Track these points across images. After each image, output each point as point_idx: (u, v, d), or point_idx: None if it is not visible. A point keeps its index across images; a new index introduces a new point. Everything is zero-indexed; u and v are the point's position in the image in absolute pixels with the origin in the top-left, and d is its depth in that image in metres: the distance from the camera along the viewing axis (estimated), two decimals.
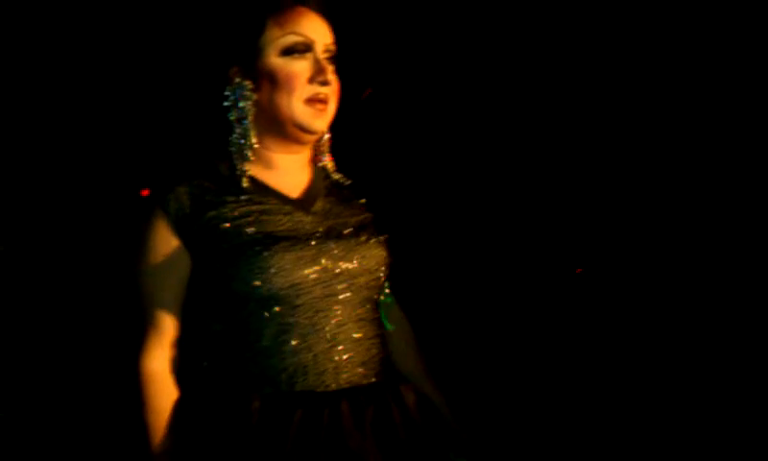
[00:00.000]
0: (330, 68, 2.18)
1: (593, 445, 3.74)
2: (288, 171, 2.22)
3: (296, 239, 2.12)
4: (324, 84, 2.15)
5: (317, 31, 2.18)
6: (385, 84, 3.76)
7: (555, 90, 3.81)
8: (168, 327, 2.15)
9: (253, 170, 2.20)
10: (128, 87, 3.91)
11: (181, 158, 2.24)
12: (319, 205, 2.22)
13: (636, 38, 3.66)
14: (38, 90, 3.86)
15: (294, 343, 2.09)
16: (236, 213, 2.13)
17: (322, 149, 2.28)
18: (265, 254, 2.07)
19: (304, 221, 2.17)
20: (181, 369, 2.16)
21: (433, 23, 3.84)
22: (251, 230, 2.11)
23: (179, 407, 2.12)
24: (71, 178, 3.94)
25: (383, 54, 3.75)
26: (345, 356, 2.11)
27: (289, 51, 2.15)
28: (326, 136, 2.27)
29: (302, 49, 2.16)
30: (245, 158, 2.18)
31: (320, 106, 2.16)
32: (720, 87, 3.59)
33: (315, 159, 2.28)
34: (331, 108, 2.19)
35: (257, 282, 2.07)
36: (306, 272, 2.10)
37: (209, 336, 2.14)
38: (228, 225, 2.11)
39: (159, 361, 2.14)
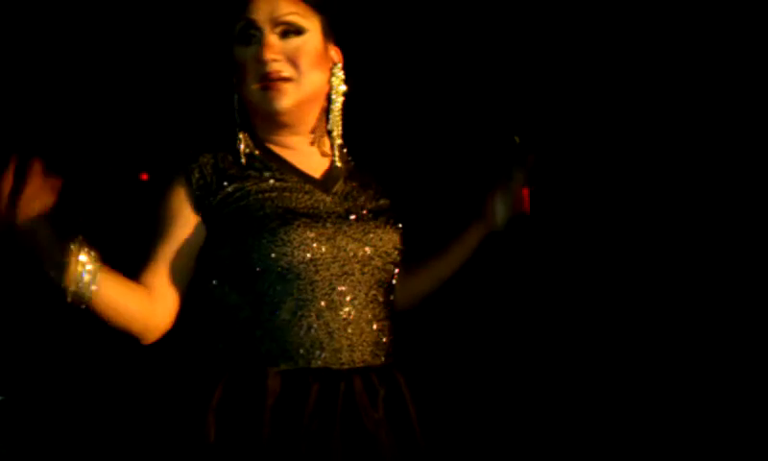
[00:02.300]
0: (280, 40, 2.14)
1: (593, 445, 3.77)
2: (302, 150, 2.23)
3: (315, 217, 2.12)
4: (264, 63, 2.12)
5: (261, 9, 2.14)
6: (398, 77, 3.75)
7: (561, 85, 3.82)
8: (161, 290, 2.12)
9: (271, 145, 2.21)
10: (150, 68, 3.94)
11: (205, 132, 2.27)
12: (339, 186, 2.22)
13: (646, 39, 3.66)
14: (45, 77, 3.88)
15: (311, 319, 2.08)
16: (258, 187, 2.13)
17: (330, 133, 2.27)
18: (285, 227, 2.07)
19: (324, 201, 2.17)
20: (197, 344, 2.16)
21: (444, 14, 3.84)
22: (272, 204, 2.11)
23: (194, 382, 2.12)
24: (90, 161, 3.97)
25: (398, 46, 3.74)
26: (358, 336, 2.11)
27: (239, 38, 2.15)
28: (335, 118, 2.25)
29: (249, 32, 2.14)
30: (245, 139, 2.20)
31: (271, 85, 2.13)
32: (719, 87, 3.59)
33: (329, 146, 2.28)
34: (289, 84, 2.14)
35: (277, 256, 2.06)
36: (324, 249, 2.10)
37: (226, 309, 2.13)
38: (250, 198, 2.12)
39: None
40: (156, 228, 2.14)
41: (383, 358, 2.15)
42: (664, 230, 3.72)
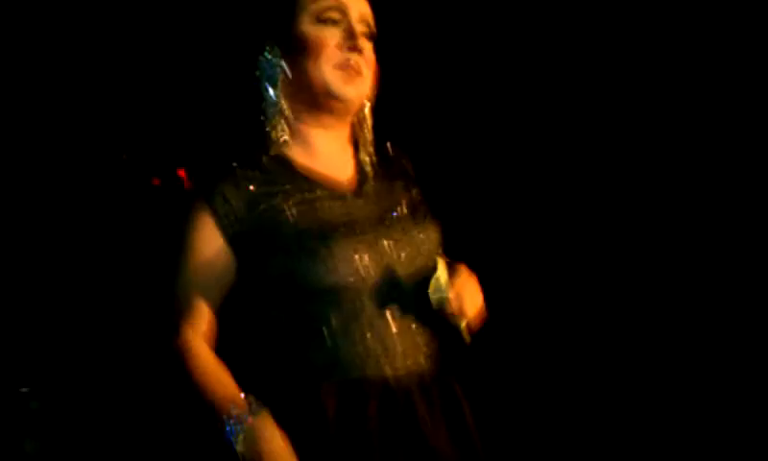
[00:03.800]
0: (364, 38, 2.11)
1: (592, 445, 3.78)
2: (329, 153, 2.15)
3: (352, 225, 2.05)
4: (354, 49, 2.08)
5: (353, 1, 2.11)
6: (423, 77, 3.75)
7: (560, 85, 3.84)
8: (205, 319, 2.06)
9: (294, 153, 2.13)
10: (162, 76, 3.91)
11: (221, 149, 2.18)
12: (368, 187, 2.15)
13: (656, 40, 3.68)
14: (64, 79, 3.86)
15: (362, 330, 2.02)
16: (288, 204, 2.05)
17: (361, 132, 2.20)
18: (325, 243, 1.99)
19: (357, 206, 2.10)
20: (243, 364, 2.07)
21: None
22: (306, 220, 2.04)
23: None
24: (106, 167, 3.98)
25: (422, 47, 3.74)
26: (410, 340, 2.05)
27: (321, 18, 2.09)
28: (366, 114, 2.19)
29: (335, 15, 2.09)
30: (282, 135, 2.11)
31: (350, 72, 2.08)
32: (720, 87, 3.57)
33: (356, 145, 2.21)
34: (364, 79, 2.11)
35: (320, 273, 1.99)
36: (367, 257, 2.02)
37: (271, 329, 2.06)
38: (281, 217, 2.04)
39: (198, 340, 2.05)
40: (186, 265, 2.07)
41: (434, 362, 2.09)
42: (663, 229, 3.72)
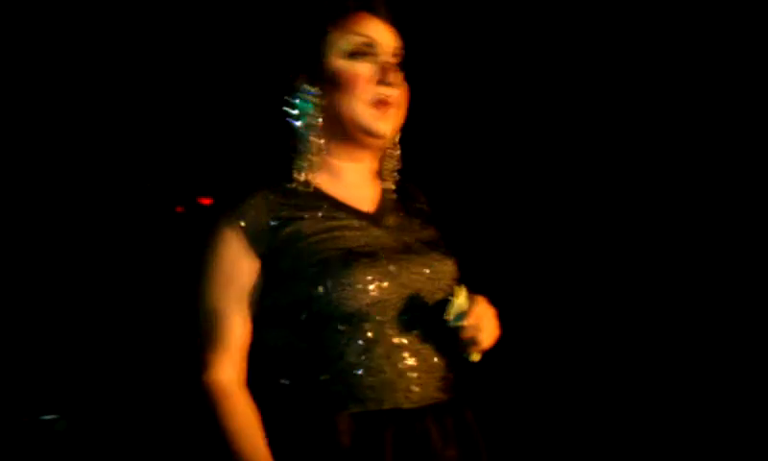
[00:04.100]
0: (396, 71, 2.11)
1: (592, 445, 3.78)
2: (355, 183, 2.16)
3: (375, 255, 2.05)
4: (388, 84, 2.08)
5: (382, 34, 2.11)
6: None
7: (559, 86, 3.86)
8: (235, 342, 2.05)
9: (320, 181, 2.13)
10: (194, 100, 3.96)
11: (249, 171, 2.19)
12: (390, 219, 2.15)
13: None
14: (96, 96, 3.92)
15: (380, 360, 2.02)
16: (314, 228, 2.05)
17: (389, 163, 2.21)
18: (348, 271, 2.00)
19: (379, 236, 2.10)
20: (257, 389, 2.06)
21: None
22: (331, 246, 2.03)
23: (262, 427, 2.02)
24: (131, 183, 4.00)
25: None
26: (426, 372, 2.05)
27: (353, 53, 2.09)
28: (396, 153, 2.20)
29: (366, 51, 2.09)
30: (311, 168, 2.11)
31: (384, 108, 2.08)
32: (720, 87, 3.61)
33: (380, 174, 2.21)
34: (397, 112, 2.11)
35: (342, 301, 1.99)
36: (389, 287, 2.03)
37: (288, 354, 2.05)
38: (307, 241, 2.04)
39: (228, 374, 2.03)
40: (215, 285, 2.05)
41: (450, 393, 2.10)
42: (661, 230, 3.74)
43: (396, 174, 2.22)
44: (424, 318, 2.07)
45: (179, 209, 4.04)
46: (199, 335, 2.07)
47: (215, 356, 2.03)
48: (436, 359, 2.08)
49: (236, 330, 2.05)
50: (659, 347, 3.74)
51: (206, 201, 4.04)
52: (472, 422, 2.13)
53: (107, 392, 3.85)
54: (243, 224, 2.04)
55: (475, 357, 2.07)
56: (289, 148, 2.14)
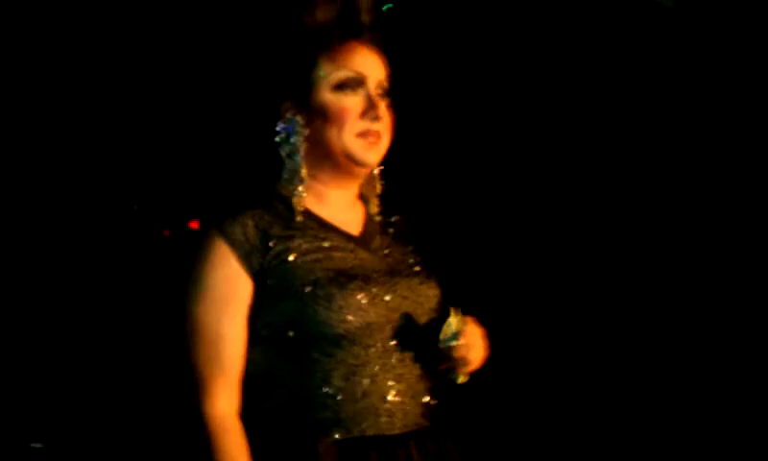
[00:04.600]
0: (383, 104, 2.13)
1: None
2: (341, 207, 2.17)
3: (366, 278, 2.06)
4: (376, 119, 2.10)
5: (369, 66, 2.13)
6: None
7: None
8: (234, 367, 2.03)
9: (307, 203, 2.13)
10: (179, 121, 3.97)
11: (236, 192, 2.20)
12: (377, 242, 2.17)
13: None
14: (87, 117, 3.92)
15: (365, 384, 2.02)
16: (304, 248, 2.06)
17: (370, 187, 2.22)
18: (342, 293, 2.01)
19: (367, 259, 2.12)
20: (242, 412, 2.05)
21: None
22: (322, 267, 2.04)
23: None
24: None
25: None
26: (410, 398, 2.07)
27: (341, 86, 2.10)
28: (376, 172, 2.21)
29: (354, 85, 2.10)
30: (297, 193, 2.11)
31: (371, 139, 2.10)
32: (720, 88, 3.63)
33: (362, 197, 2.23)
34: (383, 142, 2.13)
35: (333, 323, 2.00)
36: (379, 311, 2.04)
37: (272, 376, 2.05)
38: (297, 261, 2.04)
39: (227, 404, 2.02)
40: (205, 302, 2.03)
41: (432, 419, 2.11)
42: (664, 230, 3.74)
43: (377, 198, 2.23)
44: (411, 342, 2.08)
45: (166, 233, 4.04)
46: (193, 359, 2.05)
47: (214, 384, 2.02)
48: (420, 385, 2.09)
49: (235, 354, 2.03)
50: (653, 367, 3.73)
51: (195, 224, 4.04)
52: (453, 450, 2.14)
53: (93, 417, 3.84)
54: (234, 242, 2.03)
55: (462, 379, 2.09)
56: (275, 170, 2.15)
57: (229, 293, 2.03)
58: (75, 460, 3.74)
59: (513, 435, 3.81)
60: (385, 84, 2.15)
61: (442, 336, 2.05)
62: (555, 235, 3.86)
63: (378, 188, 2.23)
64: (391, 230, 2.23)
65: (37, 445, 3.66)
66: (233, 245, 2.03)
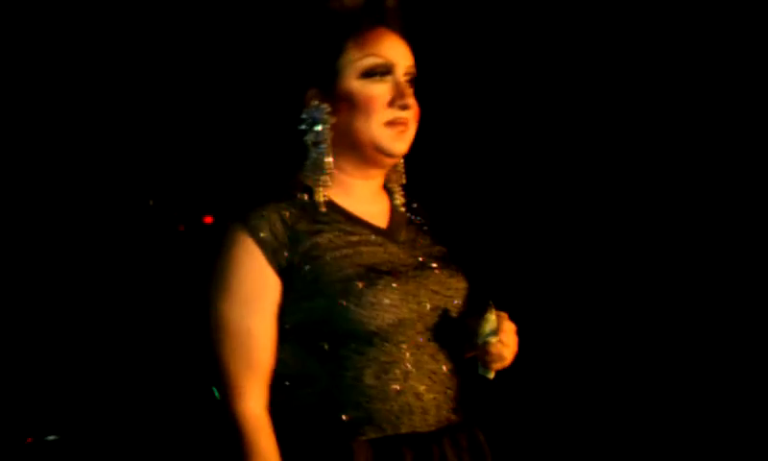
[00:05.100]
0: (410, 91, 2.08)
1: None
2: (367, 198, 2.12)
3: (396, 272, 2.02)
4: (404, 108, 2.05)
5: (397, 53, 2.08)
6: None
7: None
8: (264, 365, 1.99)
9: (331, 195, 2.08)
10: (201, 113, 3.92)
11: (259, 185, 2.13)
12: (404, 235, 2.13)
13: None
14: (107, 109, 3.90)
15: (398, 382, 1.99)
16: (334, 243, 2.01)
17: (394, 177, 2.19)
18: (373, 289, 1.97)
19: (396, 253, 2.07)
20: (271, 412, 2.01)
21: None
22: (351, 262, 2.00)
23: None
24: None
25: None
26: (443, 393, 2.04)
27: (368, 73, 2.05)
28: (401, 162, 2.18)
29: (382, 71, 2.05)
30: (322, 183, 2.06)
31: (400, 128, 2.05)
32: (719, 89, 3.62)
33: (385, 187, 2.19)
34: (411, 131, 2.08)
35: (365, 320, 1.96)
36: (410, 306, 2.00)
37: (301, 376, 2.01)
38: (326, 257, 1.99)
39: (258, 402, 1.99)
40: (234, 301, 1.99)
41: (462, 413, 2.08)
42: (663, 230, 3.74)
43: (402, 188, 2.20)
44: (442, 337, 2.05)
45: (181, 228, 4.03)
46: (221, 357, 2.00)
47: (245, 382, 1.98)
48: (451, 380, 2.06)
49: (265, 352, 1.99)
50: (687, 367, 3.72)
51: (209, 219, 4.03)
52: (483, 442, 2.12)
53: (106, 411, 3.83)
54: (263, 238, 1.98)
55: (491, 374, 2.06)
56: (299, 161, 2.11)
57: (258, 290, 1.99)
58: (89, 454, 3.73)
59: (539, 427, 3.80)
60: (412, 70, 2.10)
61: (480, 332, 2.01)
62: (576, 227, 3.86)
63: (403, 178, 2.19)
64: (416, 221, 2.19)
65: (52, 437, 3.65)
66: (260, 241, 1.98)
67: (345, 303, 1.96)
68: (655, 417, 3.73)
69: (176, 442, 3.77)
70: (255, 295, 1.98)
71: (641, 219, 3.81)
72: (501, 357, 2.04)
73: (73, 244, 3.93)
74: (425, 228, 2.21)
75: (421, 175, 2.26)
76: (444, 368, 2.05)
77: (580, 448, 3.78)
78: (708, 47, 3.63)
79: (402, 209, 2.18)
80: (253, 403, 1.98)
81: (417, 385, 2.00)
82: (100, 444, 3.75)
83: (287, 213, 2.01)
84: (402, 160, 2.17)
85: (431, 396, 2.02)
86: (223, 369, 2.00)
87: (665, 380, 3.73)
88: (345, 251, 2.01)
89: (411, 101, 2.07)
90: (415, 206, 2.23)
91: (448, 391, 2.05)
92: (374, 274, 1.99)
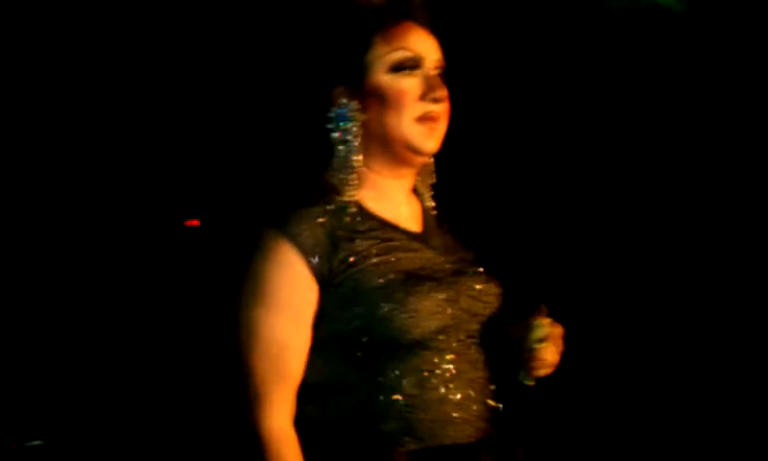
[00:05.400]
0: (441, 85, 2.00)
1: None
2: (399, 201, 2.05)
3: (435, 278, 1.95)
4: (436, 101, 1.98)
5: (425, 46, 2.01)
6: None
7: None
8: (295, 377, 1.91)
9: (363, 199, 2.01)
10: (226, 112, 3.88)
11: (291, 189, 2.05)
12: (437, 240, 2.06)
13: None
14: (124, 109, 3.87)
15: (439, 391, 1.92)
16: (372, 251, 1.93)
17: (425, 178, 2.12)
18: (416, 296, 1.89)
19: (432, 258, 2.00)
20: (305, 425, 1.92)
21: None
22: (391, 269, 1.92)
23: None
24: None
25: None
26: (482, 403, 1.97)
27: (397, 67, 1.98)
28: (432, 166, 2.11)
29: (411, 65, 1.98)
30: (351, 182, 1.99)
31: (431, 124, 1.98)
32: (719, 88, 3.67)
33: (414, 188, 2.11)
34: (442, 127, 2.01)
35: (406, 328, 1.88)
36: (451, 313, 1.93)
37: (336, 386, 1.93)
38: (366, 264, 1.92)
39: (285, 416, 1.90)
40: (270, 310, 1.90)
41: (499, 425, 2.01)
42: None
43: (431, 189, 2.13)
44: (480, 344, 2.00)
45: (166, 233, 4.00)
46: (249, 369, 1.91)
47: (275, 394, 1.90)
48: (489, 389, 2.00)
49: (297, 365, 1.91)
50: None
51: (194, 223, 4.01)
52: (522, 456, 2.04)
53: (90, 416, 3.79)
54: (303, 245, 1.90)
55: (532, 382, 2.02)
56: (325, 162, 2.03)
57: (296, 299, 1.90)
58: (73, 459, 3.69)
59: (577, 442, 3.77)
60: (441, 64, 2.03)
61: (531, 336, 1.97)
62: (602, 228, 3.87)
63: (434, 178, 2.12)
64: (446, 226, 2.13)
65: (37, 442, 3.60)
66: (302, 249, 1.90)
67: (386, 310, 1.88)
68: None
69: (163, 449, 3.74)
70: (293, 303, 1.91)
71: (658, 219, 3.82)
72: (549, 363, 2.01)
73: (56, 248, 3.89)
74: (453, 230, 2.14)
75: (447, 176, 2.19)
76: (483, 376, 1.99)
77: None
78: (708, 47, 3.67)
79: (433, 212, 2.12)
80: (281, 416, 1.90)
81: (458, 395, 1.94)
82: (84, 449, 3.71)
83: (324, 219, 1.93)
84: (433, 160, 2.10)
85: (473, 406, 1.95)
86: (250, 378, 1.91)
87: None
88: (383, 257, 1.94)
89: (442, 94, 2.00)
90: (443, 209, 2.16)
91: (487, 401, 1.99)
92: (415, 280, 1.92)
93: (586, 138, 3.85)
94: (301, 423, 1.92)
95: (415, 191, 2.12)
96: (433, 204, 2.13)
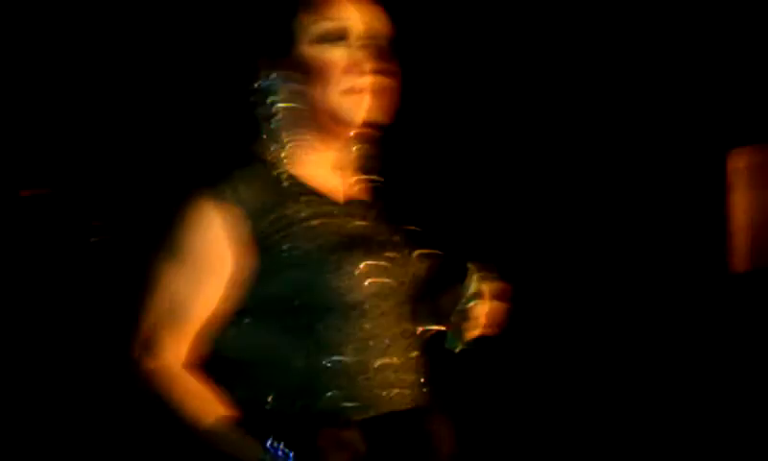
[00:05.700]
0: (371, 57, 1.97)
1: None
2: (330, 172, 2.03)
3: (367, 245, 1.94)
4: (362, 74, 1.95)
5: (354, 16, 1.97)
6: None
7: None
8: (193, 328, 1.87)
9: (294, 171, 1.99)
10: (155, 84, 3.80)
11: (218, 157, 2.00)
12: (371, 212, 2.05)
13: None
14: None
15: (378, 358, 1.91)
16: (304, 214, 1.92)
17: (359, 154, 2.08)
18: (350, 259, 1.88)
19: (365, 227, 2.00)
20: (244, 400, 1.86)
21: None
22: (324, 233, 1.91)
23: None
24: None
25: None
26: (418, 370, 1.98)
27: (323, 39, 1.95)
28: (367, 142, 2.07)
29: (337, 36, 1.95)
30: (281, 157, 1.97)
31: (358, 95, 1.95)
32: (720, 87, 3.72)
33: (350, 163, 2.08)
34: (371, 99, 1.97)
35: (343, 289, 1.87)
36: (387, 279, 1.93)
37: (271, 358, 1.89)
38: (296, 227, 1.89)
39: (175, 358, 1.85)
40: (186, 264, 1.87)
41: (430, 392, 2.01)
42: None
43: (365, 164, 2.09)
44: (412, 313, 1.99)
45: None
46: (144, 317, 1.87)
47: (165, 340, 1.85)
48: (423, 358, 2.00)
49: (196, 316, 1.87)
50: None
51: (27, 193, 3.89)
52: (449, 424, 2.02)
53: None
54: (225, 201, 1.87)
55: (460, 347, 2.00)
56: (252, 135, 2.00)
57: (208, 255, 1.87)
58: None
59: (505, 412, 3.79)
60: (377, 33, 1.99)
61: (465, 295, 1.95)
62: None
63: (367, 153, 2.09)
64: (381, 198, 2.11)
65: None
66: (226, 207, 1.87)
67: (322, 274, 1.87)
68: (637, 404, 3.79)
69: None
70: (203, 256, 1.87)
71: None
72: (484, 322, 2.00)
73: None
74: (390, 204, 2.12)
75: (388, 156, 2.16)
76: (416, 345, 2.00)
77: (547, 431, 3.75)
78: (708, 47, 3.66)
79: (360, 183, 2.09)
80: (168, 356, 1.85)
81: (396, 361, 1.93)
82: None
83: (254, 184, 1.91)
84: (372, 132, 2.05)
85: (409, 372, 1.96)
86: (143, 324, 1.87)
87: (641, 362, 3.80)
88: (314, 221, 1.92)
89: (369, 67, 1.97)
90: (379, 182, 2.13)
91: (421, 367, 1.99)
92: (349, 243, 1.92)
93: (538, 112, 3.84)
94: (234, 408, 1.85)
95: (350, 164, 2.08)
96: (365, 177, 2.10)
